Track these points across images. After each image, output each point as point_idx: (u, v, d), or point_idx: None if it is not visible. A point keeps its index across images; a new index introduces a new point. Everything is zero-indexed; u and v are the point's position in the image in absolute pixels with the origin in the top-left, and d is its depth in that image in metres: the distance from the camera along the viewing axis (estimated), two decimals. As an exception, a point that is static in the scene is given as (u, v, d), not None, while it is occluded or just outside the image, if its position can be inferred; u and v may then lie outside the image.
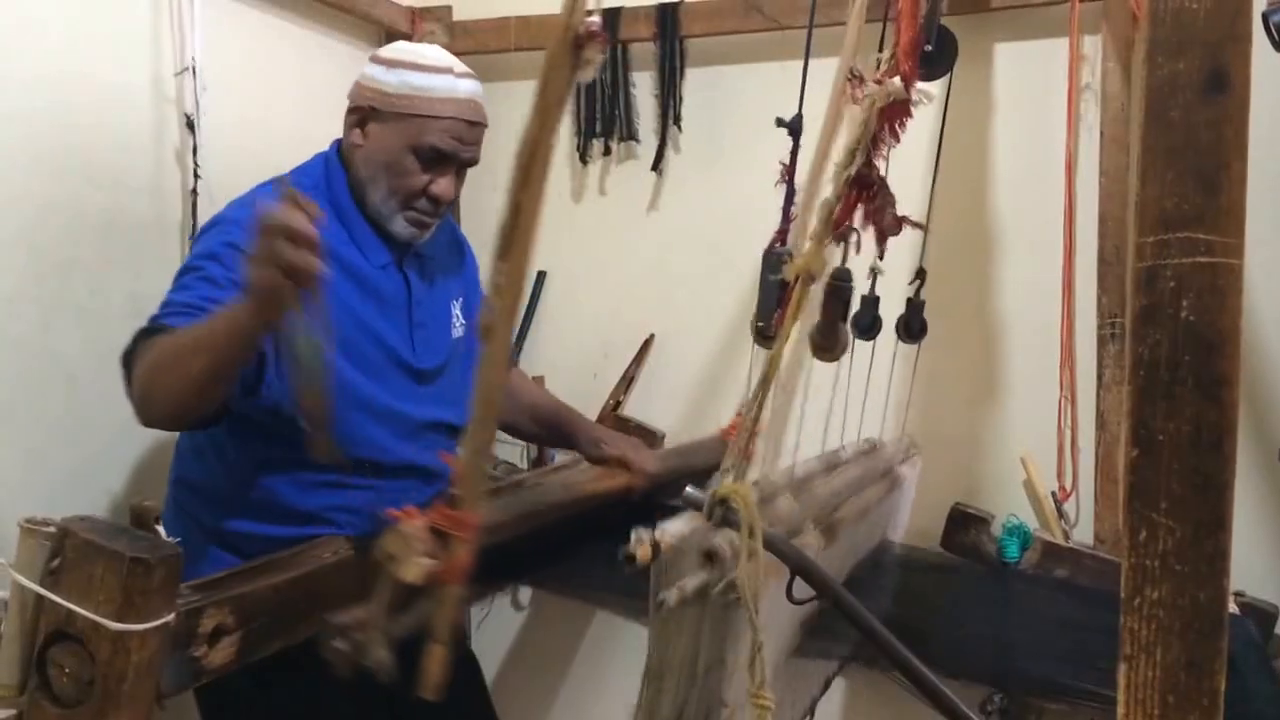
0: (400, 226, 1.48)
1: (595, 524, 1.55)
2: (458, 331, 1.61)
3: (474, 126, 1.47)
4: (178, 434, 1.56)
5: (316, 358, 1.10)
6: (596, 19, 0.74)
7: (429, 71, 1.43)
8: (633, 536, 0.87)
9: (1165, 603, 0.62)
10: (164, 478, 1.73)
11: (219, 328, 1.15)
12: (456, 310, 1.62)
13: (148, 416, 1.25)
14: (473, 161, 1.50)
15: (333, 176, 1.49)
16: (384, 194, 1.46)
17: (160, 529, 1.12)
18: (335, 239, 1.43)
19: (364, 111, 1.46)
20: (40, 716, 1.01)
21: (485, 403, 0.86)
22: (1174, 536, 0.61)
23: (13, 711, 1.02)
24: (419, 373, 1.52)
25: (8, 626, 1.03)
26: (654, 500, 1.76)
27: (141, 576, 0.98)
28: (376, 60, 1.47)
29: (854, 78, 1.48)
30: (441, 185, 1.46)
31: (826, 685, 1.54)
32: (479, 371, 0.87)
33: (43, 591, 1.00)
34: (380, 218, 1.48)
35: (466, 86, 1.46)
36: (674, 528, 0.91)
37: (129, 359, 1.24)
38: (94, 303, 1.65)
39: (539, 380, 2.20)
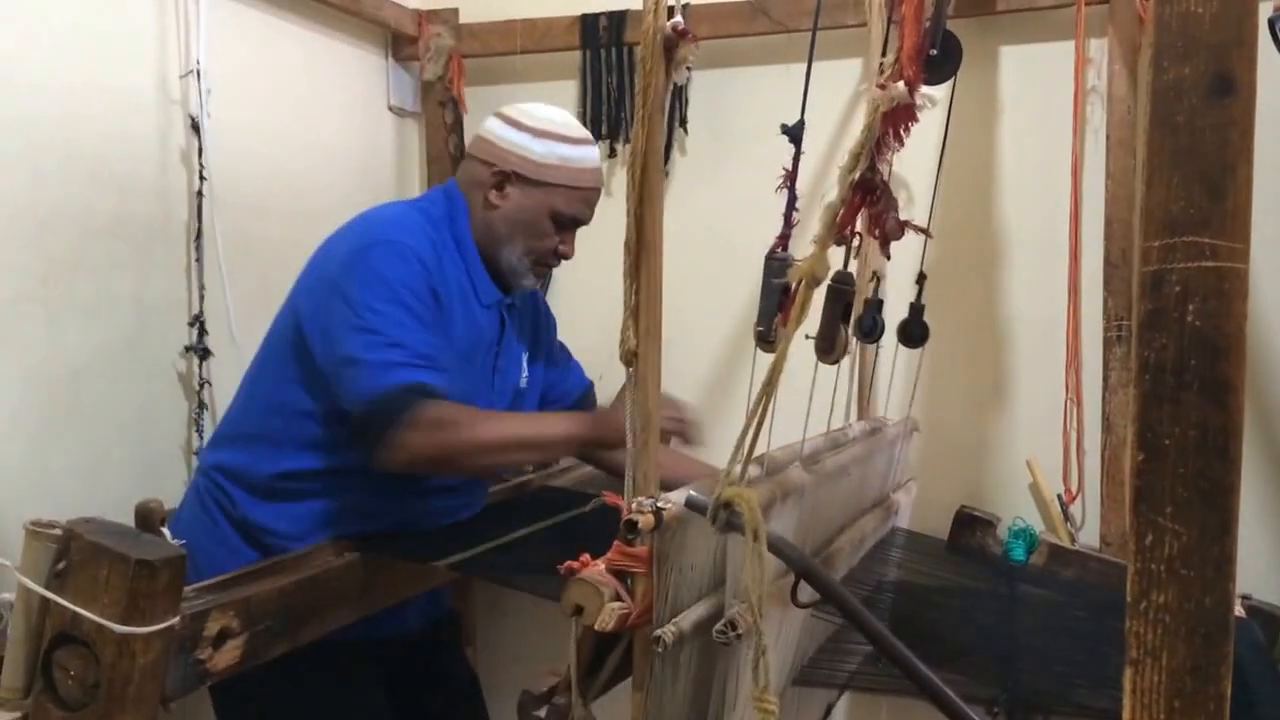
0: (529, 280, 1.59)
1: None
2: (523, 383, 1.66)
3: (599, 193, 1.59)
4: (220, 420, 1.63)
5: None
6: (680, 19, 0.74)
7: (575, 144, 1.53)
8: (634, 505, 0.88)
9: (1171, 607, 0.61)
10: (169, 478, 1.73)
11: (557, 436, 1.49)
12: (524, 361, 1.67)
13: (462, 467, 1.47)
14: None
15: (456, 214, 1.55)
16: (520, 252, 1.54)
17: (165, 531, 1.12)
18: (456, 269, 1.51)
19: (507, 175, 1.52)
20: (45, 719, 1.01)
21: (645, 428, 0.86)
22: (1180, 541, 0.61)
23: (18, 714, 1.02)
24: None
25: (13, 629, 1.04)
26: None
27: (147, 579, 0.99)
28: (520, 126, 1.53)
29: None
30: (569, 245, 1.58)
31: (828, 712, 1.55)
32: (631, 399, 0.91)
33: (48, 594, 1.01)
34: (511, 272, 1.56)
35: (596, 155, 1.58)
36: (675, 496, 0.91)
37: (401, 409, 1.31)
38: (100, 304, 1.66)
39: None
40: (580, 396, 1.81)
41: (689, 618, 0.93)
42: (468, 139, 2.07)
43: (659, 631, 0.89)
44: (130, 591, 0.98)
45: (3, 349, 1.51)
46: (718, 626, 0.92)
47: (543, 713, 1.01)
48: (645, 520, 0.87)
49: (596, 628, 0.90)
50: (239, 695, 1.41)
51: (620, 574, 0.91)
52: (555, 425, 1.54)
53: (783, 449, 1.18)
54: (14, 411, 1.53)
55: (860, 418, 1.82)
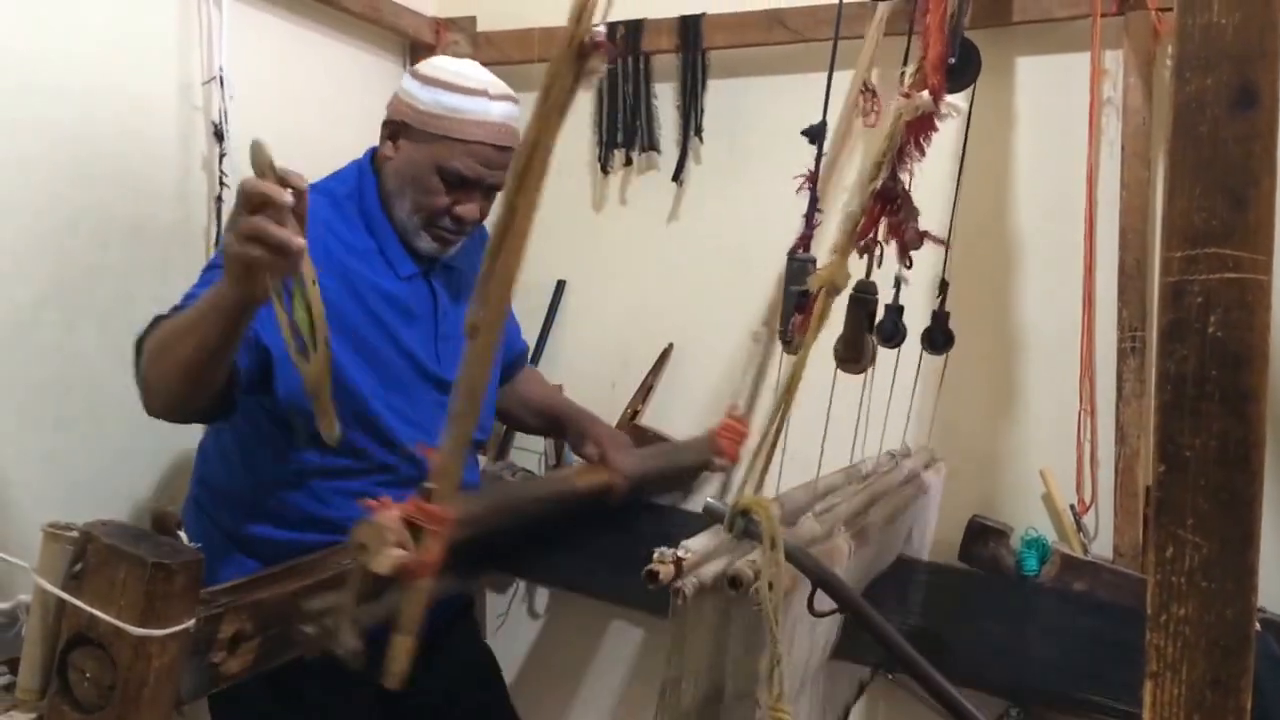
0: (423, 242, 1.49)
1: (582, 517, 1.57)
2: None
3: (503, 151, 1.45)
4: (201, 437, 1.58)
5: (310, 328, 1.07)
6: (602, 29, 0.75)
7: (462, 93, 1.43)
8: (655, 555, 0.88)
9: (1191, 620, 0.61)
10: (185, 481, 1.74)
11: (203, 307, 1.12)
12: None
13: (148, 404, 1.25)
14: (500, 185, 1.47)
15: (365, 185, 1.49)
16: (408, 210, 1.46)
17: (182, 534, 1.12)
18: (364, 248, 1.45)
19: (396, 125, 1.46)
20: (61, 720, 1.01)
21: (467, 398, 0.86)
22: (1200, 553, 0.61)
23: (33, 715, 1.02)
24: (442, 383, 1.52)
25: (30, 630, 1.04)
26: (640, 497, 1.77)
27: (163, 582, 0.99)
28: (415, 75, 1.47)
29: (866, 91, 1.48)
30: (465, 207, 1.47)
31: (861, 690, 1.54)
32: (463, 367, 0.87)
33: (65, 596, 1.01)
34: (405, 232, 1.49)
35: (500, 110, 1.45)
36: (696, 544, 0.91)
37: (139, 348, 1.24)
38: (120, 308, 1.67)
39: (557, 388, 2.20)
40: (513, 360, 1.80)
41: (709, 571, 0.92)
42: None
43: (679, 583, 0.88)
44: (147, 594, 0.98)
45: (22, 351, 1.53)
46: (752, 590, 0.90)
47: (310, 628, 1.02)
48: (665, 571, 0.87)
49: (371, 568, 0.90)
50: (232, 698, 1.41)
51: (413, 526, 0.91)
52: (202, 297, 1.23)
53: (801, 488, 1.17)
54: (31, 412, 1.54)
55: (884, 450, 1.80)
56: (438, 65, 1.48)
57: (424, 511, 0.88)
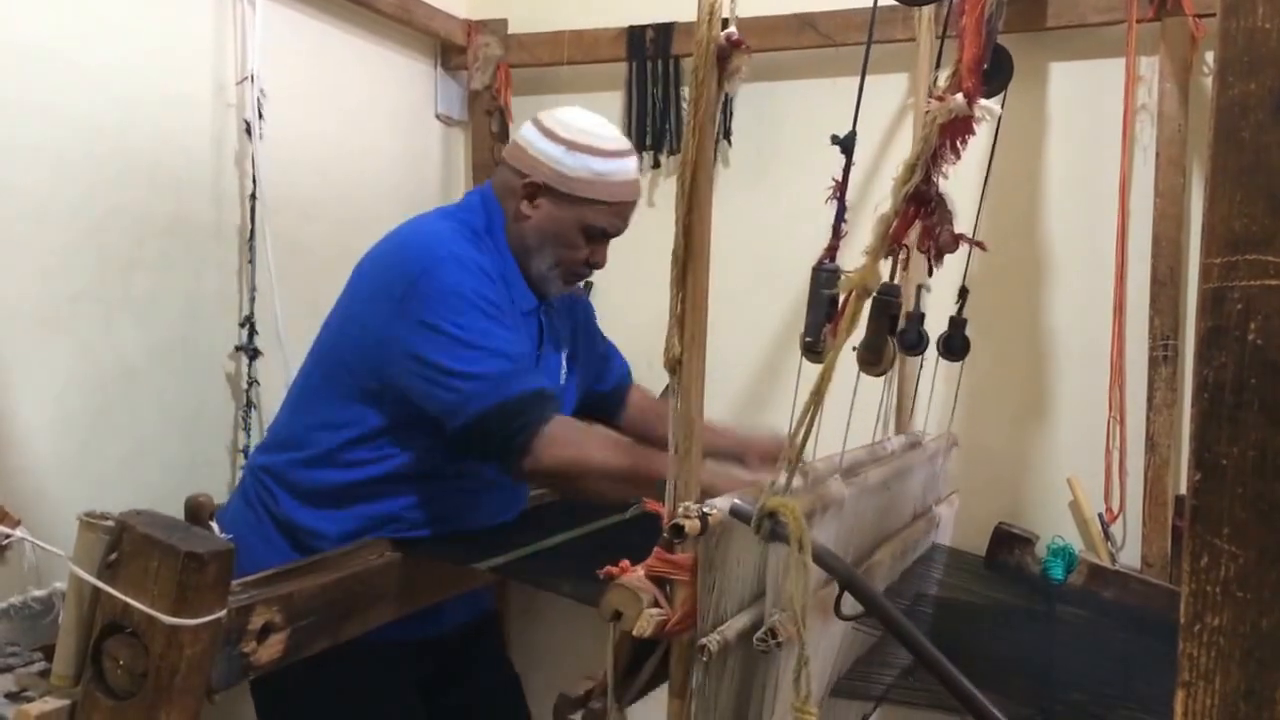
0: (557, 288, 1.57)
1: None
2: (563, 380, 1.66)
3: (635, 204, 1.56)
4: (272, 422, 1.63)
5: None
6: (734, 29, 0.74)
7: (608, 157, 1.50)
8: (679, 509, 0.87)
9: (1226, 630, 0.60)
10: (216, 474, 1.76)
11: (659, 477, 1.27)
12: (564, 362, 1.67)
13: (545, 482, 1.53)
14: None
15: (493, 223, 1.55)
16: (549, 264, 1.54)
17: (214, 525, 1.14)
18: (499, 277, 1.51)
19: (537, 186, 1.50)
20: (94, 707, 1.02)
21: (687, 435, 0.86)
22: (1236, 563, 0.60)
23: (68, 702, 1.04)
24: None
25: (65, 618, 1.05)
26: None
27: (196, 572, 1.00)
28: (553, 138, 1.50)
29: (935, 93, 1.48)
30: (600, 255, 1.56)
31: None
32: (678, 404, 0.89)
33: (100, 584, 1.02)
34: (541, 280, 1.55)
35: (634, 165, 1.54)
36: (720, 503, 0.91)
37: (531, 418, 1.34)
38: (154, 302, 1.69)
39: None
40: (616, 384, 1.84)
41: (734, 626, 0.93)
42: (513, 148, 2.08)
43: (704, 640, 0.88)
44: (179, 584, 1.00)
45: (60, 344, 1.55)
46: (758, 634, 0.91)
47: (578, 716, 1.01)
48: (691, 525, 0.87)
49: (634, 633, 0.89)
50: (278, 691, 1.43)
51: (659, 580, 0.91)
52: (664, 465, 1.49)
53: (823, 460, 1.17)
54: (69, 405, 1.57)
55: (899, 431, 1.81)
56: (576, 128, 1.51)
57: (670, 562, 0.88)
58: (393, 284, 1.43)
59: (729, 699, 0.96)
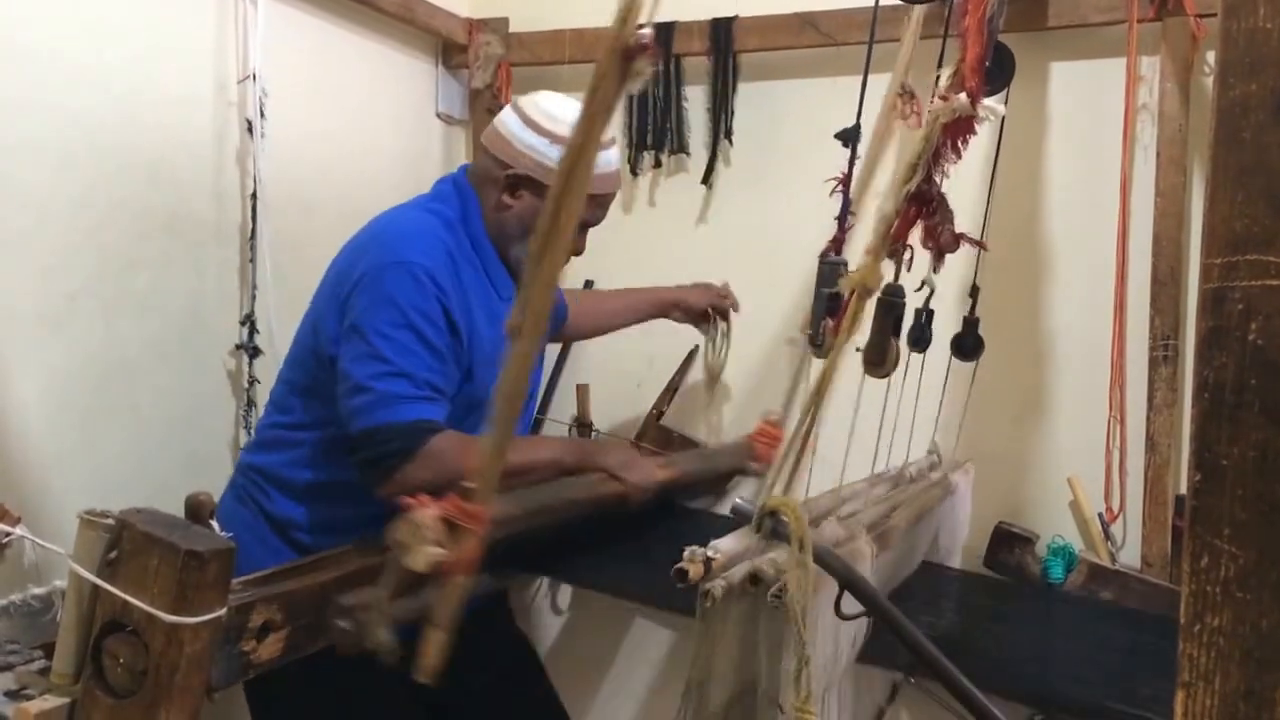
0: None
1: (613, 519, 1.61)
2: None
3: (615, 194, 1.57)
4: (258, 422, 1.64)
5: None
6: (648, 31, 0.74)
7: None
8: (685, 553, 0.87)
9: (1225, 630, 0.60)
10: (216, 471, 1.76)
11: (542, 464, 1.48)
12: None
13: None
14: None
15: (469, 210, 1.55)
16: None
17: (214, 523, 1.14)
18: (474, 271, 1.51)
19: (519, 178, 1.51)
20: (94, 705, 1.03)
21: (507, 400, 0.86)
22: (1236, 563, 0.60)
23: (68, 699, 1.04)
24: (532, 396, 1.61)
25: (65, 616, 1.05)
26: (672, 500, 1.78)
27: (196, 570, 1.00)
28: (536, 129, 1.50)
29: (904, 94, 1.48)
30: (580, 244, 1.57)
31: (894, 692, 1.53)
32: (504, 369, 0.87)
33: (100, 582, 1.02)
34: (520, 266, 1.54)
35: (615, 158, 1.55)
36: (726, 545, 0.91)
37: (403, 446, 1.34)
38: (155, 300, 1.70)
39: (583, 389, 2.22)
40: (562, 319, 1.89)
41: (737, 572, 0.92)
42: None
43: (708, 585, 0.88)
44: (180, 582, 1.00)
45: (60, 341, 1.55)
46: (772, 590, 0.90)
47: (345, 622, 1.02)
48: (695, 570, 0.87)
49: (409, 566, 0.91)
50: (272, 692, 1.42)
51: (451, 524, 0.91)
52: (542, 452, 1.54)
53: (825, 495, 1.17)
54: (69, 402, 1.57)
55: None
56: (558, 118, 1.50)
57: (461, 510, 0.88)
58: (343, 283, 1.45)
59: (732, 645, 0.95)
